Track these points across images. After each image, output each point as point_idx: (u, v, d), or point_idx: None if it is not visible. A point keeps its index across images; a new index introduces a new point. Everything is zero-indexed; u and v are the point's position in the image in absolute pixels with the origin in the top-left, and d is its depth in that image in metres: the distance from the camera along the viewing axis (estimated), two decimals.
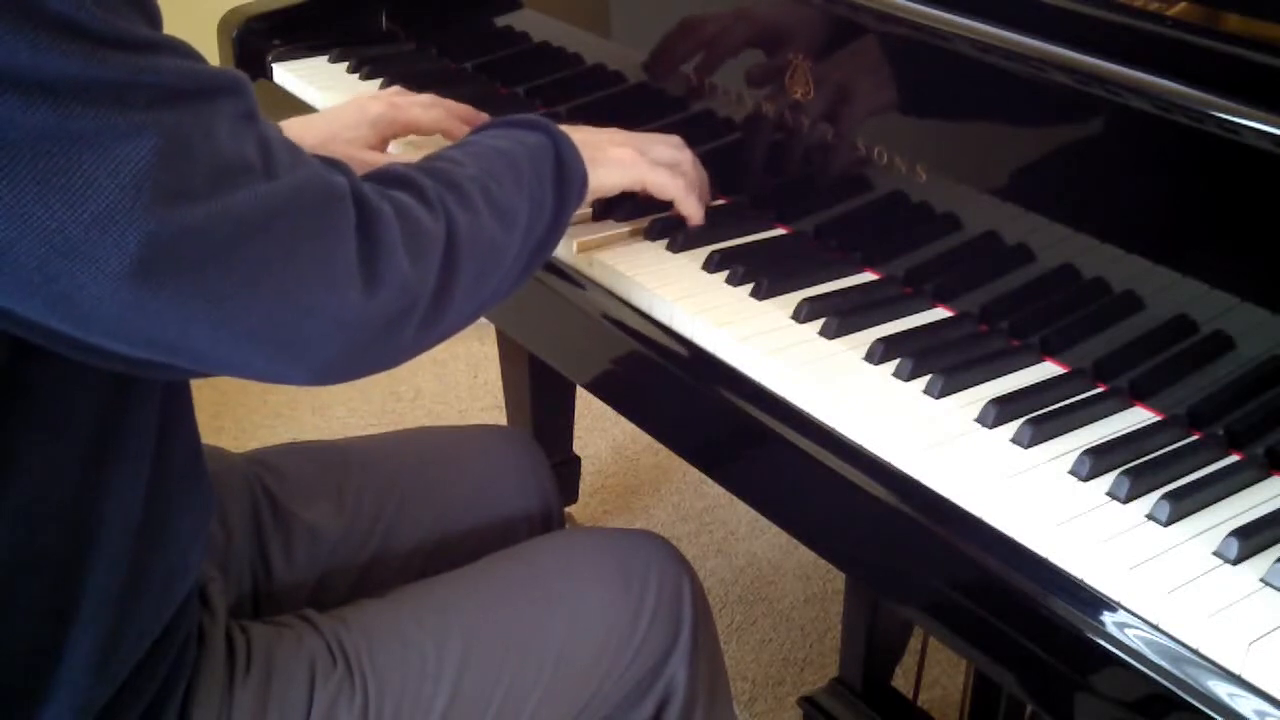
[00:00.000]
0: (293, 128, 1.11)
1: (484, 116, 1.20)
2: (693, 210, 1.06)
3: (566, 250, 1.06)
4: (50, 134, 0.58)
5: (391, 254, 0.73)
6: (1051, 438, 0.83)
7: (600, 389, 1.12)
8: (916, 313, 0.98)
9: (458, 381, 2.35)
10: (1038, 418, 0.84)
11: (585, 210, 1.09)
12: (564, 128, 0.97)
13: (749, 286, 1.01)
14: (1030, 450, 0.82)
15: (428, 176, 0.82)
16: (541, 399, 1.77)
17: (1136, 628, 0.71)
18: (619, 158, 1.01)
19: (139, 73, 0.61)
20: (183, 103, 0.64)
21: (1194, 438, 0.84)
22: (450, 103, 1.19)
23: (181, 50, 0.66)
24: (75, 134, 0.59)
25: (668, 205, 1.07)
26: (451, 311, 0.79)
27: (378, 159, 1.11)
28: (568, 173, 0.94)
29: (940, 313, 0.99)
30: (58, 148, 0.59)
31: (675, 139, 1.08)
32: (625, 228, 1.10)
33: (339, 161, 0.77)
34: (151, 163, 0.61)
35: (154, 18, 0.66)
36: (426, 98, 1.19)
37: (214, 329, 0.66)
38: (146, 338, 0.65)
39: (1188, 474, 0.80)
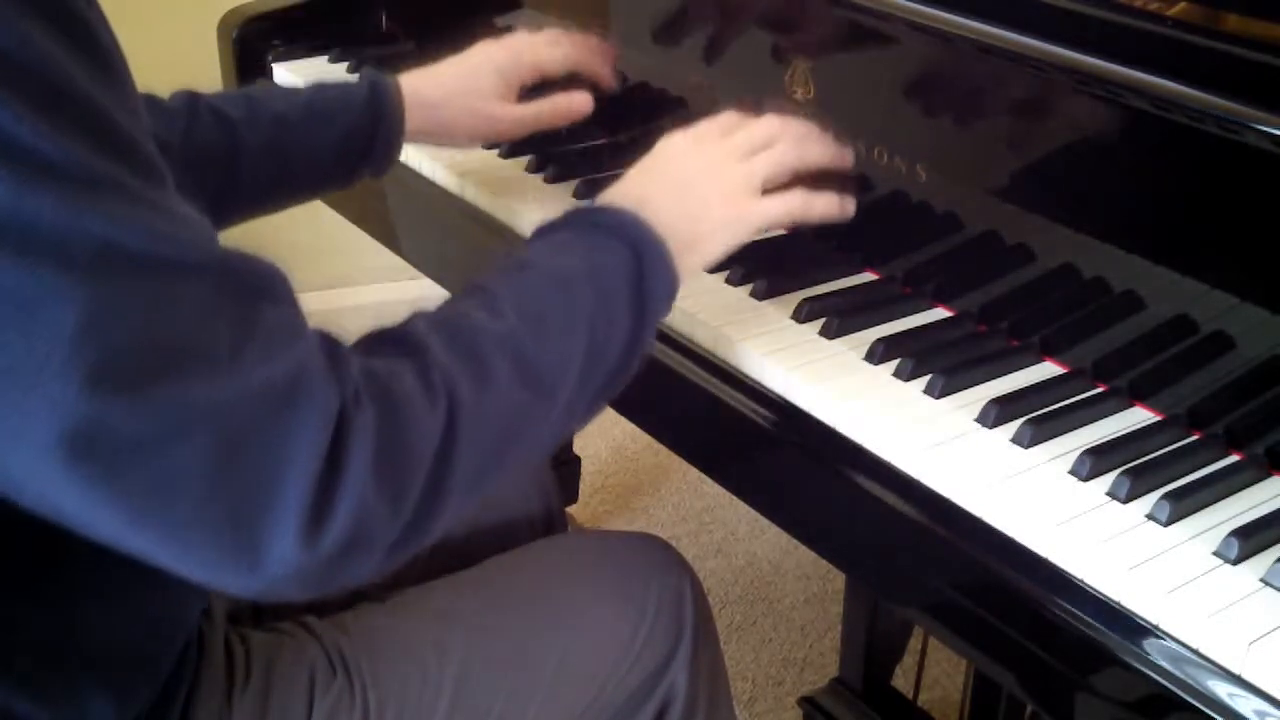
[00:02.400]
0: (413, 80, 1.08)
1: (611, 51, 1.16)
2: (825, 210, 0.92)
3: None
4: None
5: (354, 487, 0.61)
6: (1051, 438, 0.83)
7: None
8: (916, 313, 0.98)
9: None
10: (1038, 418, 0.84)
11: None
12: (648, 191, 0.85)
13: (749, 287, 1.00)
14: (1030, 450, 0.82)
15: (443, 344, 0.70)
16: None
17: (1136, 628, 0.71)
18: (724, 220, 0.87)
19: (86, 217, 0.53)
20: (137, 269, 0.55)
21: (1194, 438, 0.84)
22: (576, 36, 1.14)
23: (160, 205, 0.57)
24: None
25: None
26: (442, 516, 0.67)
27: (511, 113, 1.09)
28: (649, 295, 0.80)
29: (940, 313, 0.99)
30: None
31: (770, 125, 0.92)
32: None
33: (342, 352, 0.65)
34: (75, 333, 0.53)
35: (126, 146, 0.57)
36: (550, 34, 1.14)
37: (123, 525, 0.58)
38: (49, 506, 0.58)
39: (1188, 474, 0.80)
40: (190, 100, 1.02)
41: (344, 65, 1.46)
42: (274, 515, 0.59)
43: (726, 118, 0.93)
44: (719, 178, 0.88)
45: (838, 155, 0.96)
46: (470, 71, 1.10)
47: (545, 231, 0.84)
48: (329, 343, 0.65)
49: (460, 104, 1.09)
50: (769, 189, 0.90)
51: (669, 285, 0.82)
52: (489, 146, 1.22)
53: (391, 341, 0.70)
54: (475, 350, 0.70)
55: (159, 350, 0.56)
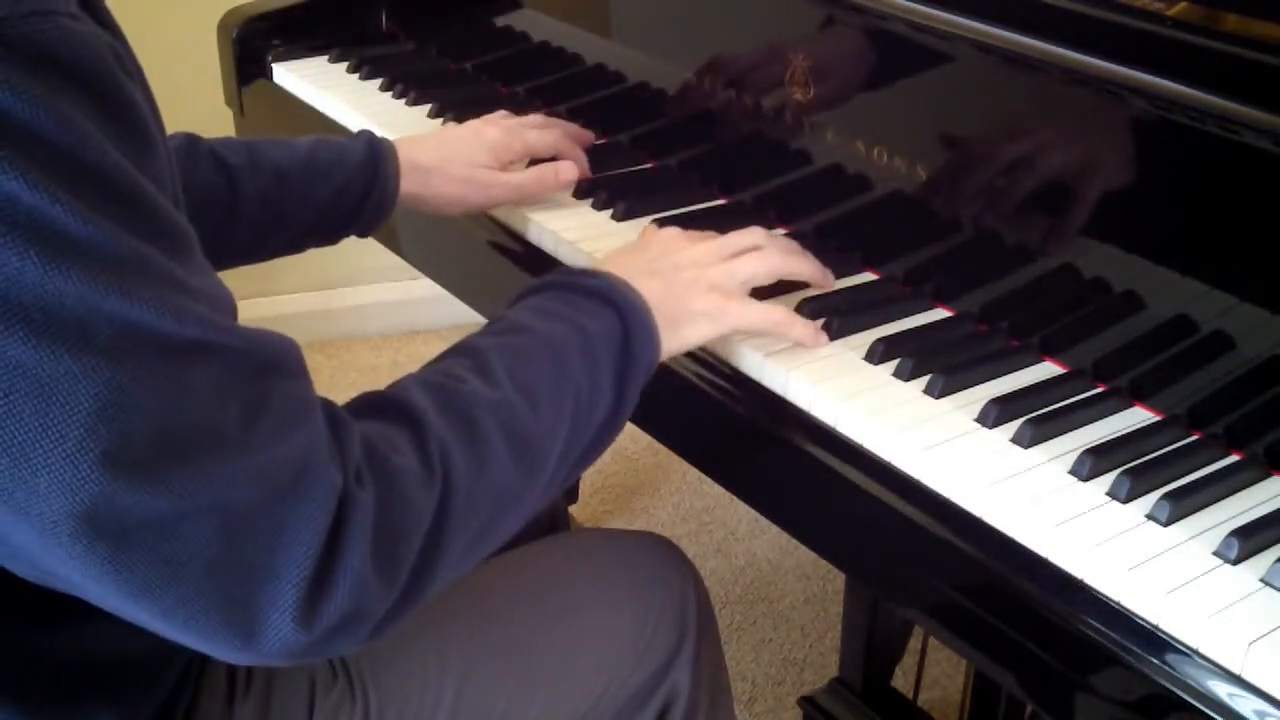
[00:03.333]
0: (407, 145, 1.09)
1: (590, 136, 1.20)
2: (801, 338, 0.91)
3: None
4: None
5: (352, 569, 0.62)
6: (1051, 438, 0.83)
7: None
8: (916, 313, 0.98)
9: None
10: (1038, 418, 0.84)
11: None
12: (636, 271, 0.85)
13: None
14: (1030, 450, 0.82)
15: (438, 410, 0.70)
16: None
17: (1136, 628, 0.71)
18: (705, 310, 0.87)
19: (109, 297, 0.54)
20: (155, 351, 0.56)
21: (1194, 438, 0.84)
22: (563, 124, 1.18)
23: (184, 284, 0.58)
24: (11, 362, 0.52)
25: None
26: (432, 588, 0.68)
27: (500, 179, 1.10)
28: (634, 364, 0.81)
29: (940, 313, 0.99)
30: None
31: (757, 235, 0.94)
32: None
33: (346, 426, 0.65)
34: (90, 414, 0.53)
35: (156, 222, 0.57)
36: (538, 119, 1.18)
37: (124, 599, 0.58)
38: (46, 570, 0.59)
39: (1188, 474, 0.80)
40: (190, 143, 1.01)
41: (344, 65, 1.46)
42: (272, 596, 0.59)
43: (714, 235, 0.94)
44: (703, 270, 0.89)
45: (820, 275, 0.97)
46: (464, 141, 1.12)
47: (533, 293, 0.84)
48: (334, 418, 0.65)
49: (453, 171, 1.09)
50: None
51: (652, 355, 0.83)
52: None
53: (391, 409, 0.71)
54: (470, 420, 0.71)
55: (173, 432, 0.56)
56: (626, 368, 0.81)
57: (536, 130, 1.15)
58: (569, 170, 1.12)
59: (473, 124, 1.15)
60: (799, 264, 0.96)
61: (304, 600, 0.60)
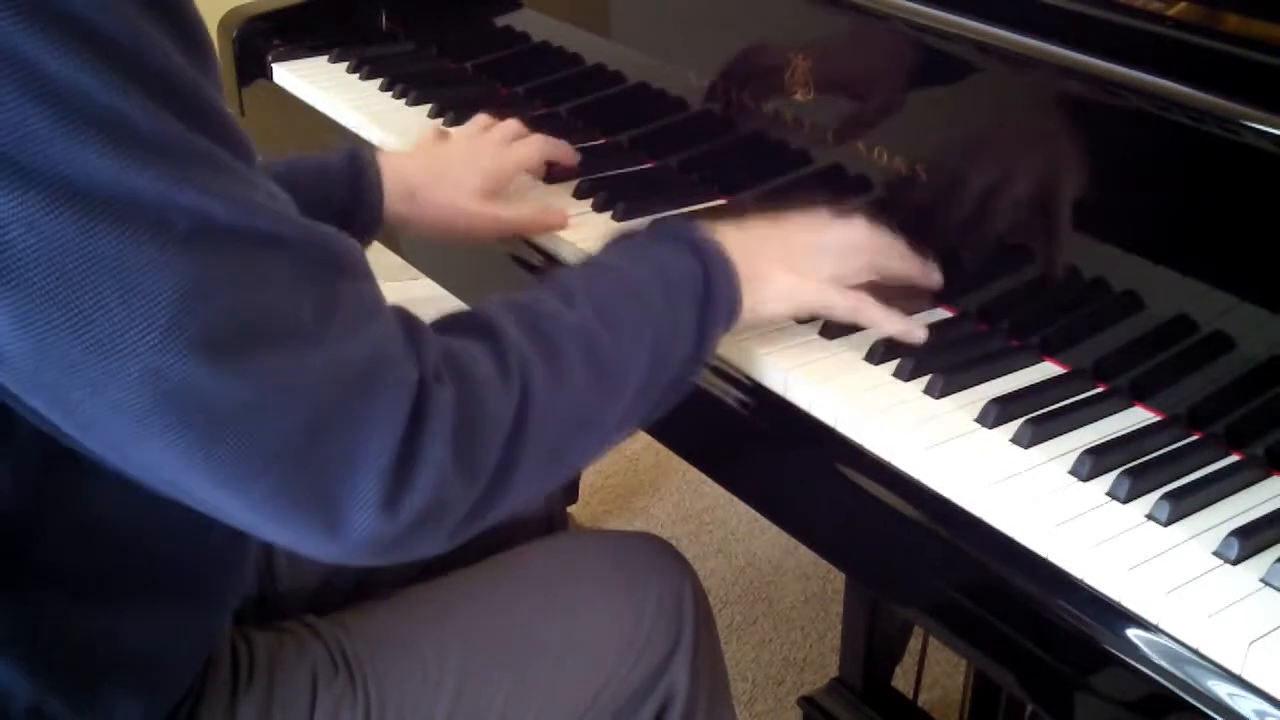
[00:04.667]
0: (393, 159, 1.06)
1: (569, 149, 1.16)
2: (895, 327, 0.91)
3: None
4: (68, 248, 0.53)
5: (433, 460, 0.63)
6: (1051, 438, 0.83)
7: None
8: (916, 313, 0.98)
9: None
10: (1038, 418, 0.84)
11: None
12: (725, 232, 0.85)
13: None
14: (1030, 450, 0.82)
15: (518, 327, 0.72)
16: None
17: (1136, 627, 0.71)
18: (783, 289, 0.88)
19: (184, 190, 0.55)
20: (231, 241, 0.57)
21: (1194, 438, 0.84)
22: (538, 137, 1.13)
23: (250, 179, 0.59)
24: (95, 254, 0.54)
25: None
26: (509, 498, 0.69)
27: (488, 211, 1.06)
28: (716, 307, 0.82)
29: (940, 313, 0.99)
30: (74, 264, 0.53)
31: (858, 232, 0.93)
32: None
33: (421, 329, 0.67)
34: (173, 302, 0.55)
35: (219, 123, 0.59)
36: (514, 125, 1.13)
37: (214, 488, 0.60)
38: (142, 466, 0.61)
39: (1188, 474, 0.80)
40: None
41: (344, 65, 1.46)
42: (356, 485, 0.61)
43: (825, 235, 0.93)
44: (792, 251, 0.90)
45: (922, 272, 0.95)
46: (457, 162, 1.08)
47: (620, 238, 0.86)
48: (408, 320, 0.67)
49: (441, 195, 1.05)
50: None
51: (731, 305, 0.84)
52: None
53: (469, 324, 0.72)
54: (549, 336, 0.73)
55: (251, 320, 0.58)
56: (707, 311, 0.82)
57: (522, 143, 1.12)
58: (559, 218, 1.09)
59: (464, 144, 1.12)
60: (898, 265, 0.93)
61: (387, 491, 0.62)
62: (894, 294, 0.93)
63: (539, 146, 1.13)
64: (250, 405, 0.58)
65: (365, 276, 0.66)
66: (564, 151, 1.16)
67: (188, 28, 0.59)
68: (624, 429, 0.79)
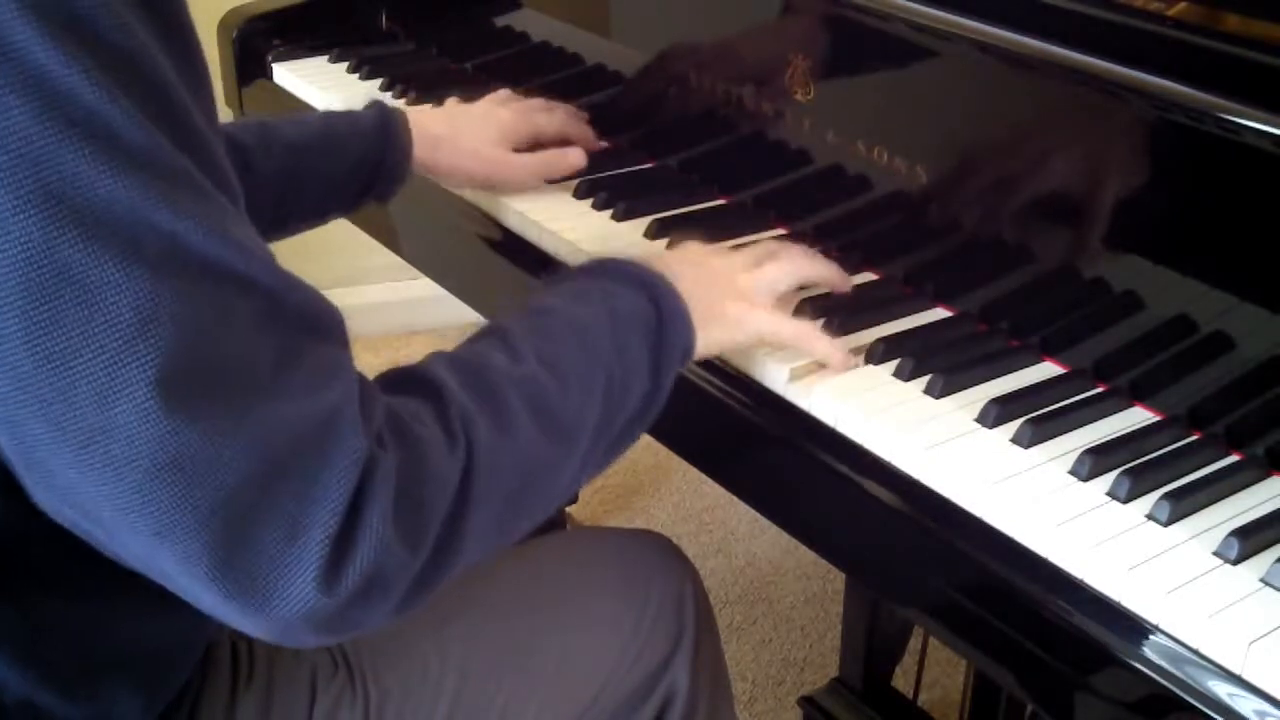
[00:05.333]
0: (419, 114, 1.13)
1: (589, 135, 1.21)
2: (834, 358, 0.90)
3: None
4: (32, 253, 0.51)
5: (374, 528, 0.60)
6: (1051, 438, 0.83)
7: None
8: (916, 313, 0.98)
9: None
10: (1038, 418, 0.84)
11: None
12: (672, 265, 0.85)
13: None
14: (1030, 450, 0.82)
15: (462, 384, 0.70)
16: None
17: (1136, 628, 0.71)
18: (734, 314, 0.88)
19: (160, 210, 0.53)
20: (200, 271, 0.55)
21: (1194, 438, 0.84)
22: (567, 108, 1.21)
23: (231, 213, 0.57)
24: (59, 264, 0.52)
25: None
26: (460, 558, 0.68)
27: (511, 159, 1.14)
28: (668, 348, 0.81)
29: (940, 313, 0.99)
30: (35, 271, 0.51)
31: (796, 260, 0.95)
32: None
33: (372, 393, 0.65)
34: (131, 324, 0.53)
35: (204, 151, 0.57)
36: (542, 102, 1.21)
37: (150, 538, 0.56)
38: (78, 505, 0.57)
39: (1188, 474, 0.80)
40: None
41: (344, 65, 1.46)
42: (296, 553, 0.58)
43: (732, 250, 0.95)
44: (732, 277, 0.90)
45: (840, 280, 0.98)
46: (477, 117, 1.15)
47: (562, 279, 0.85)
48: (362, 384, 0.65)
49: (464, 144, 1.12)
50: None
51: (686, 339, 0.82)
52: None
53: (411, 382, 0.70)
54: (494, 393, 0.70)
55: (206, 359, 0.55)
56: (661, 348, 0.80)
57: (544, 114, 1.18)
58: (577, 156, 1.16)
59: (484, 104, 1.19)
60: (821, 269, 0.97)
61: (327, 559, 0.58)
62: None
63: (560, 117, 1.19)
64: (194, 450, 0.55)
65: (338, 341, 0.63)
66: (583, 131, 1.21)
67: (187, 52, 0.58)
68: (589, 470, 0.77)
